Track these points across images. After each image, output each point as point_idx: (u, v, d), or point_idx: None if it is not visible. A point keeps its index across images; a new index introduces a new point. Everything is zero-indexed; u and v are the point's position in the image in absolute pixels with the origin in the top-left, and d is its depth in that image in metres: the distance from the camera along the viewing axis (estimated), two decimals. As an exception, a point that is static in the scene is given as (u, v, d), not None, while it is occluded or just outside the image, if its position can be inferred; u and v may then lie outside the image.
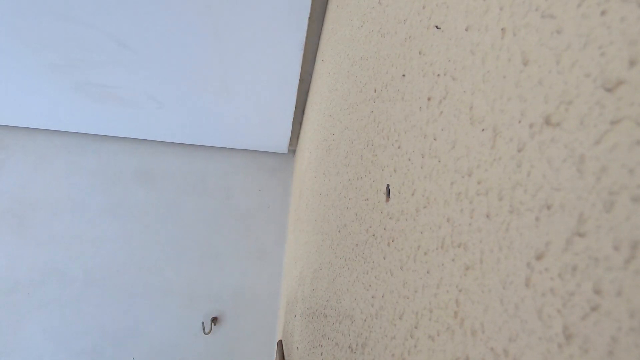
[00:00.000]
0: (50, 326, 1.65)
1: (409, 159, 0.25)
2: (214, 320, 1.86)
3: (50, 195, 1.68)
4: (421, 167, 0.23)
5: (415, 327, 0.21)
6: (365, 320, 0.31)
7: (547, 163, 0.13)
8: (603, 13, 0.11)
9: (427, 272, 0.21)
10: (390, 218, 0.28)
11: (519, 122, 0.15)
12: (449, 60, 0.21)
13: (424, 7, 0.26)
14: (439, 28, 0.23)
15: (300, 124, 1.44)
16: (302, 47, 0.99)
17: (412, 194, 0.24)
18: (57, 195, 1.69)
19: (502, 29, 0.16)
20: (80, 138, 1.74)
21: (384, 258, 0.28)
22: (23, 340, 1.63)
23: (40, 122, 1.57)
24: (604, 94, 0.11)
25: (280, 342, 1.11)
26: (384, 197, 0.30)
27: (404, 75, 0.28)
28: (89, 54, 1.03)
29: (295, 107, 1.30)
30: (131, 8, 0.86)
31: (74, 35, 0.95)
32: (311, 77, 1.16)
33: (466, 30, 0.19)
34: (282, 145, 1.67)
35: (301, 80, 1.18)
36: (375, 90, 0.36)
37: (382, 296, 0.27)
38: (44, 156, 1.71)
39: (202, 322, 1.81)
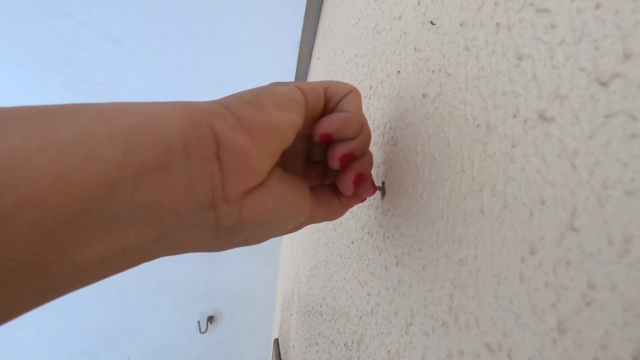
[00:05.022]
0: (45, 327, 1.64)
1: (405, 157, 0.25)
2: (210, 319, 1.85)
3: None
4: (416, 164, 0.23)
5: (411, 324, 0.21)
6: (360, 318, 0.31)
7: (541, 158, 0.13)
8: (597, 6, 0.11)
9: (422, 268, 0.21)
10: (385, 215, 0.28)
11: (514, 117, 0.14)
12: (444, 56, 0.21)
13: (419, 3, 0.26)
14: (434, 24, 0.23)
15: (296, 122, 1.44)
16: (298, 45, 0.98)
17: (407, 191, 0.24)
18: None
19: (496, 24, 0.16)
20: (74, 137, 1.72)
21: (379, 255, 0.28)
22: (18, 341, 1.61)
23: (32, 121, 1.55)
24: (598, 87, 0.11)
25: (276, 341, 1.11)
26: (379, 194, 0.30)
27: (399, 72, 0.28)
28: (82, 51, 1.02)
29: (291, 105, 1.29)
30: (125, 5, 0.85)
31: (67, 32, 0.94)
32: (307, 75, 1.16)
33: (461, 25, 0.19)
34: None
35: (297, 79, 1.18)
36: (370, 87, 0.36)
37: (378, 293, 0.27)
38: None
39: (198, 321, 1.80)
